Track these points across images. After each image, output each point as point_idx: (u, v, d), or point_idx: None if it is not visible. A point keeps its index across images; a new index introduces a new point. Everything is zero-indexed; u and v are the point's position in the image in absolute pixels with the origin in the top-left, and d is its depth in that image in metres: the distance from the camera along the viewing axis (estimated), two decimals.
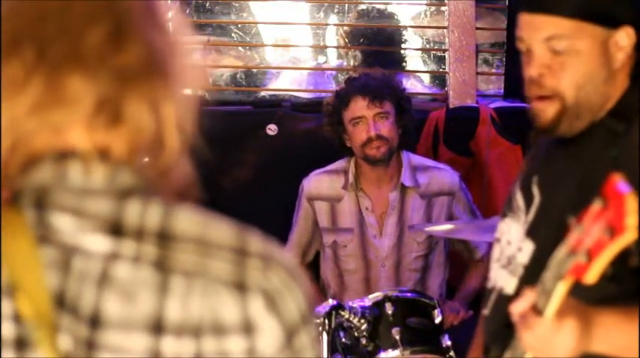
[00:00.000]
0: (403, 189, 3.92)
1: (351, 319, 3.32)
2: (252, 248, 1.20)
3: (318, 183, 4.00)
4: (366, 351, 3.36)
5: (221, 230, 1.20)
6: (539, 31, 2.05)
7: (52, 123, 1.18)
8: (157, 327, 1.15)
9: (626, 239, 1.59)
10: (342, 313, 3.29)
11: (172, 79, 1.22)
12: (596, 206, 1.61)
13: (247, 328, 1.17)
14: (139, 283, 1.16)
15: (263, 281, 1.18)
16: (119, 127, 1.19)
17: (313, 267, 4.14)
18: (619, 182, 1.59)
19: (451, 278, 4.06)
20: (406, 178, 3.91)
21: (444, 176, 3.96)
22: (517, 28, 2.10)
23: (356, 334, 3.36)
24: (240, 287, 1.17)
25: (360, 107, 3.83)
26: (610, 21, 2.03)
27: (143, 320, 1.15)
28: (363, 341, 3.36)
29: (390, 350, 3.36)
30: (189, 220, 1.19)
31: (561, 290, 1.70)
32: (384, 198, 3.93)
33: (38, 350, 1.16)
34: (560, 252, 1.68)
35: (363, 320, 3.34)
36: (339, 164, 4.01)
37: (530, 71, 2.06)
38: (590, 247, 1.62)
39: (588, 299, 1.83)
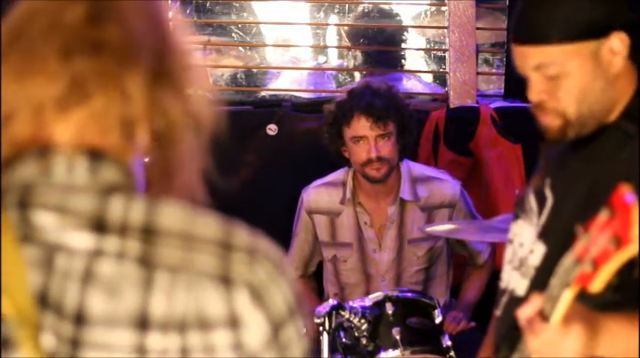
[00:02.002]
0: (402, 203, 3.86)
1: (351, 319, 3.32)
2: (238, 241, 1.19)
3: (317, 196, 3.94)
4: (367, 351, 3.36)
5: (206, 224, 1.20)
6: (528, 61, 2.08)
7: (31, 95, 1.18)
8: (142, 323, 1.15)
9: (630, 250, 1.60)
10: (343, 313, 3.29)
11: (160, 66, 1.22)
12: (603, 215, 1.62)
13: (233, 322, 1.17)
14: (123, 279, 1.15)
15: (248, 275, 1.18)
16: (89, 104, 1.19)
17: (315, 278, 4.11)
18: (626, 192, 1.60)
19: (454, 277, 4.03)
20: (405, 192, 3.85)
21: (444, 187, 3.88)
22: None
23: (356, 334, 3.36)
24: (226, 281, 1.17)
25: (362, 126, 3.74)
26: (597, 32, 2.04)
27: (128, 316, 1.15)
28: (364, 341, 3.36)
29: (390, 350, 3.36)
30: (173, 215, 1.19)
31: (567, 297, 1.71)
32: (383, 211, 3.89)
33: (21, 349, 1.15)
34: (567, 259, 1.69)
35: (363, 320, 3.34)
36: (337, 175, 3.95)
37: (531, 97, 2.10)
38: (596, 256, 1.63)
39: (594, 306, 1.83)
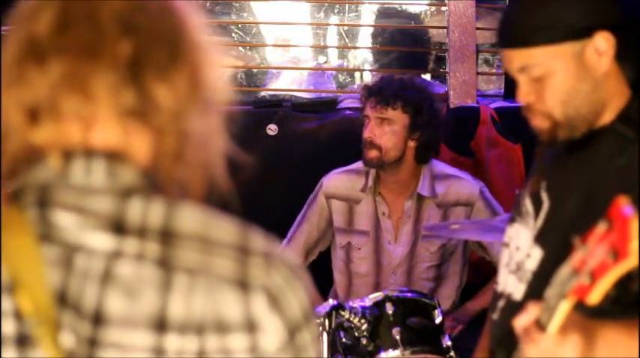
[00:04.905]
0: (420, 198, 3.87)
1: (351, 319, 3.32)
2: (255, 246, 1.20)
3: (339, 181, 3.94)
4: (367, 351, 3.36)
5: (224, 228, 1.20)
6: (512, 64, 2.10)
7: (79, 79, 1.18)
8: (160, 324, 1.15)
9: (628, 263, 1.60)
10: (343, 313, 3.29)
11: (175, 59, 1.22)
12: (601, 228, 1.62)
13: (250, 326, 1.17)
14: (142, 281, 1.16)
15: (265, 279, 1.18)
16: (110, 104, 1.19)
17: (313, 268, 4.11)
18: (624, 205, 1.59)
19: (469, 280, 4.01)
20: (424, 188, 3.85)
21: (462, 186, 3.88)
22: None
23: (356, 334, 3.35)
24: (243, 285, 1.17)
25: (369, 107, 3.82)
26: (579, 33, 2.04)
27: (146, 317, 1.15)
28: (364, 341, 3.36)
29: (390, 350, 3.36)
30: (191, 218, 1.19)
31: (564, 308, 1.71)
32: (400, 205, 3.89)
33: (40, 347, 1.15)
34: (564, 270, 1.69)
35: (363, 320, 3.34)
36: (360, 164, 3.94)
37: (519, 99, 2.12)
38: (594, 269, 1.63)
39: (591, 314, 1.83)
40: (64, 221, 1.17)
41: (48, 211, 1.18)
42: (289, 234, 4.00)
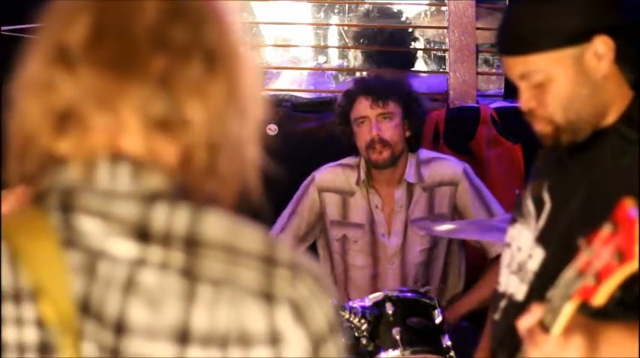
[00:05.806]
0: (409, 186, 3.88)
1: (351, 319, 3.32)
2: (281, 256, 1.18)
3: (332, 174, 3.95)
4: (367, 351, 3.36)
5: (250, 236, 1.19)
6: (513, 71, 2.11)
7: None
8: (183, 336, 1.14)
9: (634, 265, 1.61)
10: (342, 313, 3.29)
11: (211, 61, 1.20)
12: (606, 230, 1.62)
13: (274, 339, 1.16)
14: (166, 290, 1.14)
15: (291, 291, 1.17)
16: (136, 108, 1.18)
17: None
18: (630, 207, 1.60)
19: (469, 279, 3.99)
20: (410, 175, 3.86)
21: (445, 166, 3.89)
22: None
23: (356, 334, 3.36)
24: (268, 297, 1.16)
25: (363, 107, 3.79)
26: (578, 38, 2.04)
27: (169, 328, 1.14)
28: (364, 341, 3.36)
29: (390, 350, 3.36)
30: (217, 226, 1.17)
31: (568, 309, 1.71)
32: (392, 196, 3.90)
33: (61, 356, 1.14)
34: (569, 272, 1.69)
35: (363, 320, 3.34)
36: (351, 159, 3.95)
37: (521, 106, 2.12)
38: (599, 270, 1.63)
39: (594, 315, 1.84)
40: (88, 226, 1.15)
41: (71, 216, 1.16)
42: (277, 229, 3.96)
